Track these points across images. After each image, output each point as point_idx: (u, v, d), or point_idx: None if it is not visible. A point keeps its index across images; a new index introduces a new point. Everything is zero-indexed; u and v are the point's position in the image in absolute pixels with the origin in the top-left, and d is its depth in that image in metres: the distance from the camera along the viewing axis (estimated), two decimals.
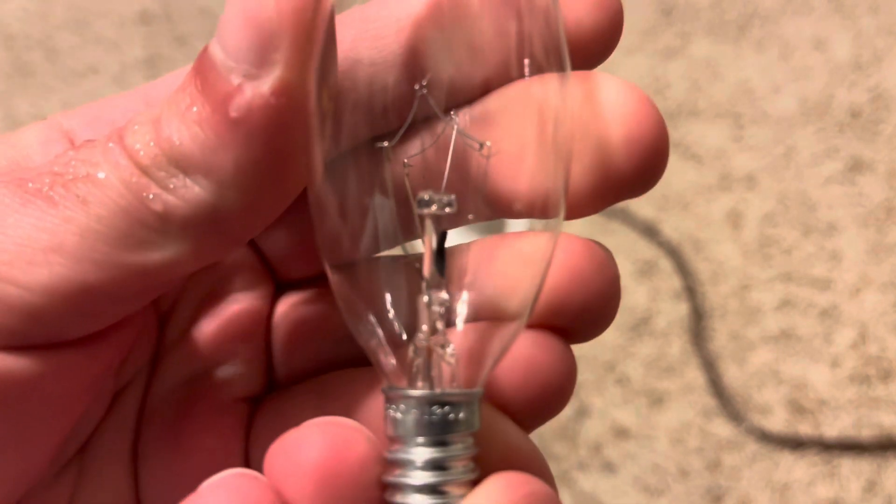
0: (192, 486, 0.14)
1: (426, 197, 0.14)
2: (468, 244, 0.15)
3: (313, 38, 0.13)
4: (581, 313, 0.15)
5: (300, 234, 0.16)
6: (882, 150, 0.73)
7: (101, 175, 0.13)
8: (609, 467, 0.55)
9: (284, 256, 0.17)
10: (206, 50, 0.13)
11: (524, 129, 0.15)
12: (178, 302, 0.17)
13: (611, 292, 0.15)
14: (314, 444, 0.13)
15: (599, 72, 0.15)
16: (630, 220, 0.68)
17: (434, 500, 0.13)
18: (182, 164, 0.13)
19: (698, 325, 0.61)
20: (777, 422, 0.56)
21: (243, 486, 0.13)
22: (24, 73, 0.86)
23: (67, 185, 0.13)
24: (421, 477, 0.13)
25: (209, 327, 0.17)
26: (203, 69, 0.13)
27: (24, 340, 0.13)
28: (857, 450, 0.54)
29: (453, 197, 0.14)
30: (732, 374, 0.58)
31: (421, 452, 0.13)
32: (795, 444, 0.55)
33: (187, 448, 0.17)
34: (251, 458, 0.17)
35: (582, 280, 0.15)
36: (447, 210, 0.14)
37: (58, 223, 0.13)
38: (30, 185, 0.13)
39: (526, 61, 0.14)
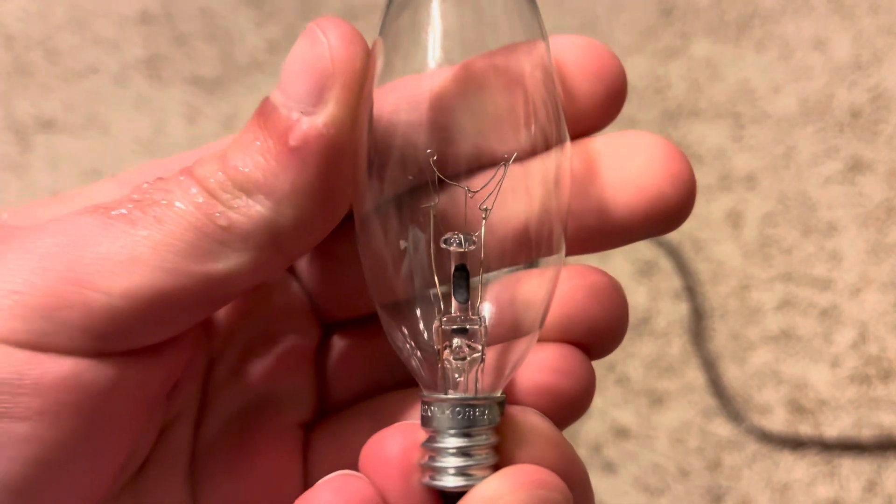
0: None
1: (450, 237, 0.17)
2: (492, 279, 0.18)
3: (362, 83, 0.16)
4: (599, 332, 0.18)
5: (344, 280, 0.19)
6: (882, 149, 0.74)
7: (174, 199, 0.15)
8: (609, 467, 0.55)
9: (331, 300, 0.20)
10: (267, 98, 0.16)
11: (533, 189, 0.17)
12: (227, 344, 0.19)
13: (623, 314, 0.18)
14: (397, 441, 0.16)
15: (638, 131, 0.18)
16: None
17: (460, 480, 0.16)
18: (245, 187, 0.15)
19: (698, 325, 0.61)
20: (777, 422, 0.56)
21: (350, 481, 0.16)
22: (24, 73, 0.86)
23: (144, 209, 0.15)
24: (451, 461, 0.16)
25: (260, 364, 0.19)
26: (265, 111, 0.16)
27: (104, 345, 0.15)
28: (857, 450, 0.54)
29: (465, 236, 0.17)
30: (732, 374, 0.58)
31: (451, 441, 0.16)
32: (795, 444, 0.55)
33: (248, 471, 0.19)
34: (310, 478, 0.19)
35: (600, 304, 0.17)
36: (467, 247, 0.17)
37: (136, 239, 0.15)
38: (112, 212, 0.15)
39: (532, 128, 0.17)
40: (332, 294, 0.20)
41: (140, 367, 0.16)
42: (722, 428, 0.56)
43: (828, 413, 0.56)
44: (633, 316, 0.62)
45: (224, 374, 0.19)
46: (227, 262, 0.15)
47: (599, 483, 0.54)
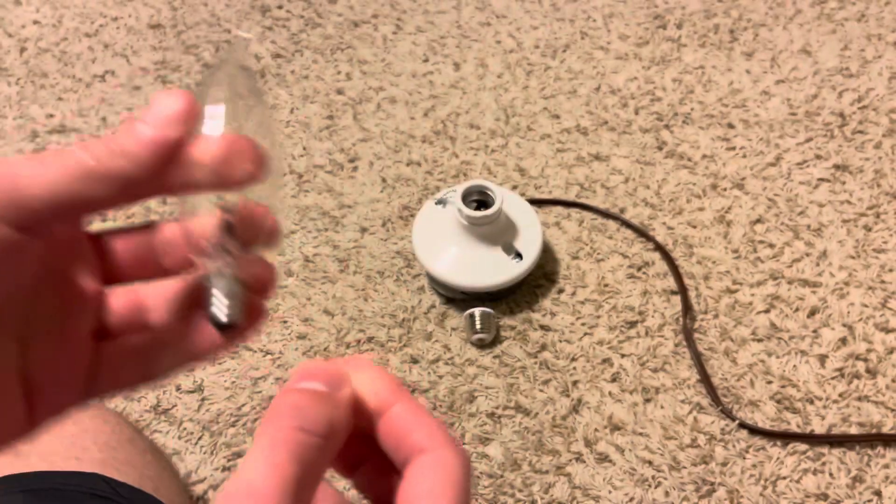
0: (73, 369, 0.23)
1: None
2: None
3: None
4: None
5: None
6: (869, 153, 0.73)
7: (74, 150, 0.21)
8: (604, 461, 0.55)
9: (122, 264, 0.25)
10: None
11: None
12: None
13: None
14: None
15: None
16: (626, 222, 0.69)
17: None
18: (118, 154, 0.21)
19: (690, 324, 0.61)
20: (767, 417, 0.56)
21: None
22: (38, 79, 0.87)
23: (56, 153, 0.21)
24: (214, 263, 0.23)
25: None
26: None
27: (26, 223, 0.20)
28: (844, 444, 0.54)
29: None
30: (723, 371, 0.58)
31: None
32: (785, 438, 0.55)
33: (69, 355, 0.23)
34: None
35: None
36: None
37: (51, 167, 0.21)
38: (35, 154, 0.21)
39: None
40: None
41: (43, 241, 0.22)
42: (713, 423, 0.56)
43: (816, 408, 0.56)
44: (629, 315, 0.63)
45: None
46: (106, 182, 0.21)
47: (594, 476, 0.54)
